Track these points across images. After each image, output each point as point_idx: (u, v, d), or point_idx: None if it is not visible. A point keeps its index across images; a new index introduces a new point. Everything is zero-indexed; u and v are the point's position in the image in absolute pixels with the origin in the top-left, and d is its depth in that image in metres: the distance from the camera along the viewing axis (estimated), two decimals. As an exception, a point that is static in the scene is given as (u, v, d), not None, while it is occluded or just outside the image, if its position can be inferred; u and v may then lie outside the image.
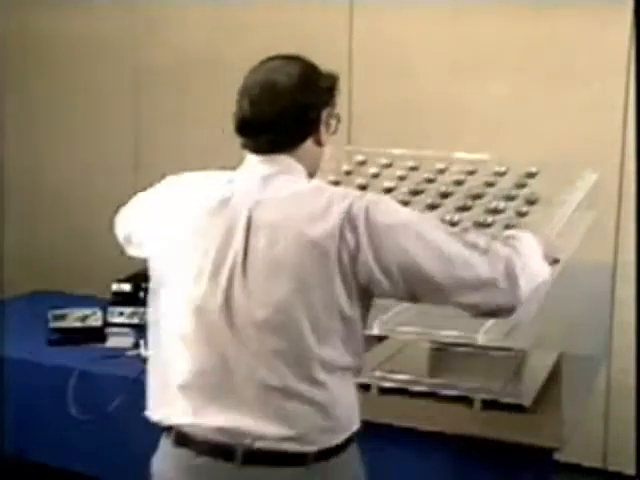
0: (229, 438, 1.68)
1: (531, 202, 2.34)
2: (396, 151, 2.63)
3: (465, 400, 2.41)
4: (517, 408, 2.37)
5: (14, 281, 4.05)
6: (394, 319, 2.46)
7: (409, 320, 2.44)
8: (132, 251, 2.00)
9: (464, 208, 2.33)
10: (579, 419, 2.48)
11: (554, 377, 2.52)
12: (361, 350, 1.76)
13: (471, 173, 2.54)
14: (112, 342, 3.00)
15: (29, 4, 4.06)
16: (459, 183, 2.47)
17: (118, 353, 2.91)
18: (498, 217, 2.27)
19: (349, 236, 1.63)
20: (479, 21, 3.31)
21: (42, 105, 4.10)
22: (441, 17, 3.36)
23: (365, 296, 1.70)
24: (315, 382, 1.67)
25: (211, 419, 1.70)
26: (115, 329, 3.04)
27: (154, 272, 1.85)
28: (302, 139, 1.78)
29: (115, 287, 3.22)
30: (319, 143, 1.80)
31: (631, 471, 2.99)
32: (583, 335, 2.48)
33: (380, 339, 2.71)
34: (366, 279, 1.66)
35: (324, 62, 2.05)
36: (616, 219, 3.27)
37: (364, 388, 2.51)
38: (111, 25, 3.90)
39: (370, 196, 1.70)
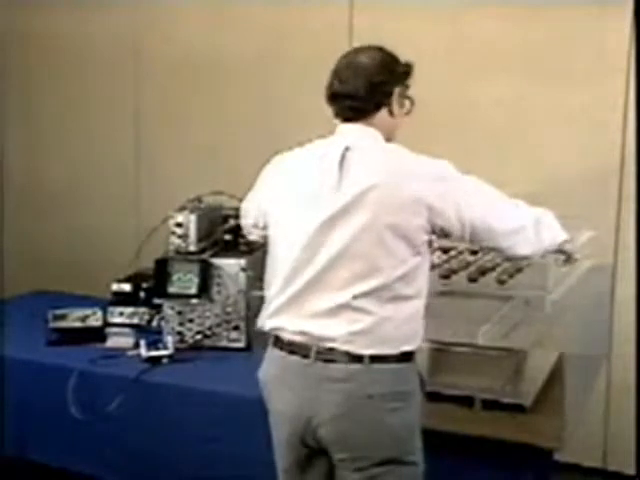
0: (307, 340, 2.05)
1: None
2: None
3: (465, 400, 2.40)
4: (517, 408, 2.37)
5: (14, 280, 4.04)
6: None
7: None
8: (256, 234, 2.36)
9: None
10: (579, 419, 2.48)
11: (554, 377, 2.52)
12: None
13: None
14: (112, 342, 2.98)
15: (30, 4, 4.04)
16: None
17: (118, 353, 2.89)
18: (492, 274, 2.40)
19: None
20: (480, 21, 3.30)
21: (42, 105, 4.09)
22: (442, 17, 3.35)
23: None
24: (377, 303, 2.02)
25: (295, 325, 2.07)
26: (115, 329, 3.02)
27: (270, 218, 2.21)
28: (377, 108, 2.14)
29: (115, 287, 3.19)
30: (391, 114, 2.16)
31: (631, 471, 3.00)
32: (583, 335, 2.48)
33: None
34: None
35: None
36: (616, 219, 3.27)
37: None
38: (112, 24, 3.89)
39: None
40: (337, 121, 2.17)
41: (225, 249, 3.01)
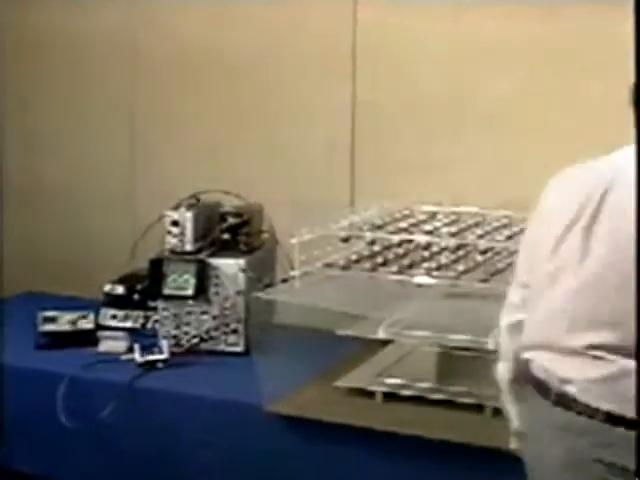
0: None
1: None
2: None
3: (475, 407, 2.36)
4: None
5: (7, 282, 3.90)
6: (400, 322, 2.45)
7: (416, 324, 2.43)
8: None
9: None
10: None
11: None
12: None
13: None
14: (104, 346, 2.93)
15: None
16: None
17: (111, 358, 2.85)
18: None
19: None
20: (484, 17, 3.21)
21: (37, 101, 4.01)
22: (446, 12, 3.25)
23: None
24: None
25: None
26: (108, 333, 2.98)
27: None
28: None
29: (108, 288, 3.16)
30: None
31: None
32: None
33: (385, 343, 2.68)
34: None
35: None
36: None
37: (368, 395, 2.49)
38: (109, 19, 3.79)
39: None
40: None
41: (223, 249, 2.96)
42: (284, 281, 2.68)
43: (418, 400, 2.45)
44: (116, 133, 3.86)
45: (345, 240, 2.58)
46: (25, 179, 4.07)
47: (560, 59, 3.12)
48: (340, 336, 2.53)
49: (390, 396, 2.48)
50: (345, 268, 2.51)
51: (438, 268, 2.43)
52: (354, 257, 2.54)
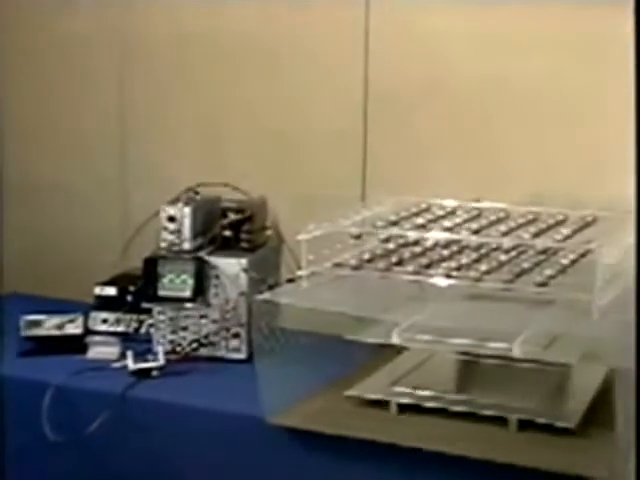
0: None
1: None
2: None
3: (499, 420, 2.34)
4: (560, 431, 2.29)
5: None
6: (416, 327, 2.41)
7: (433, 328, 2.39)
8: None
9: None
10: (633, 445, 2.28)
11: (603, 396, 2.42)
12: None
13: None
14: (94, 353, 2.91)
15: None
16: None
17: (101, 365, 2.82)
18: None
19: None
20: (503, 12, 3.19)
21: (18, 90, 4.00)
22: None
23: None
24: None
25: None
26: (98, 338, 2.95)
27: None
28: None
29: (98, 290, 3.14)
30: None
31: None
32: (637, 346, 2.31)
33: (400, 350, 2.67)
34: None
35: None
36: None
37: (381, 405, 2.47)
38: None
39: None
40: None
41: (224, 247, 2.95)
42: (290, 282, 2.66)
43: (437, 412, 2.42)
44: (106, 122, 3.85)
45: (356, 237, 2.56)
46: (9, 173, 4.04)
47: (598, 43, 3.09)
48: (351, 342, 2.48)
49: (406, 407, 2.45)
50: (356, 268, 2.48)
51: (458, 268, 2.40)
52: (366, 256, 2.51)
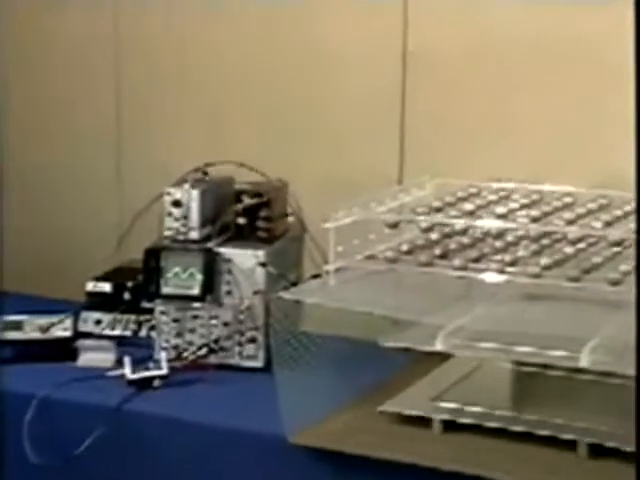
0: None
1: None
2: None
3: (565, 444, 2.28)
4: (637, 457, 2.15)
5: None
6: (463, 331, 2.42)
7: (484, 333, 2.39)
8: None
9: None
10: None
11: None
12: None
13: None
14: (86, 359, 2.89)
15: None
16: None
17: (94, 374, 2.80)
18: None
19: None
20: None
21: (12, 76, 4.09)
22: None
23: None
24: None
25: None
26: (90, 342, 2.95)
27: None
28: None
29: (91, 286, 3.16)
30: None
31: None
32: None
33: (444, 358, 2.66)
34: None
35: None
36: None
37: (422, 423, 2.43)
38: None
39: None
40: None
41: (238, 236, 2.93)
42: (315, 278, 2.65)
43: (488, 432, 2.38)
44: (100, 92, 3.89)
45: (393, 226, 2.55)
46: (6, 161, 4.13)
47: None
48: (386, 348, 2.50)
49: (451, 425, 2.41)
50: (393, 261, 2.47)
51: (513, 262, 2.37)
52: (405, 247, 2.49)
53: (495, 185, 2.79)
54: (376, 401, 2.53)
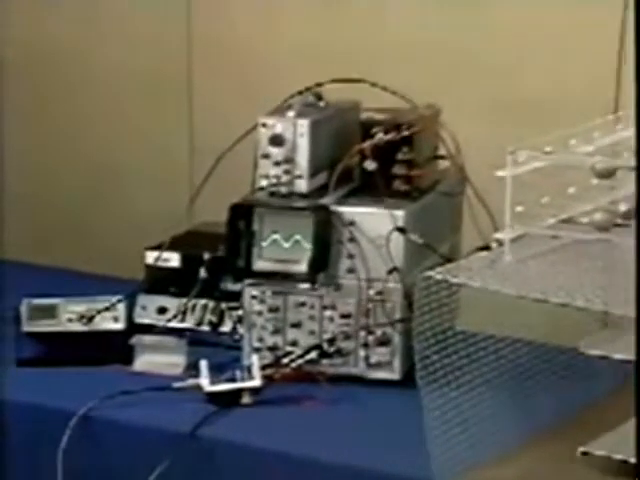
0: None
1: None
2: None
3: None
4: None
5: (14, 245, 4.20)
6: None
7: None
8: None
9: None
10: None
11: None
12: None
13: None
14: (144, 363, 2.89)
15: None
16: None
17: (156, 384, 2.75)
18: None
19: None
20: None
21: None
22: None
23: None
24: None
25: None
26: (150, 338, 2.97)
27: None
28: None
29: (151, 259, 3.15)
30: None
31: None
32: None
33: None
34: None
35: None
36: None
37: None
38: None
39: None
40: None
41: (365, 189, 2.90)
42: (482, 250, 2.55)
43: None
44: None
45: (604, 176, 2.42)
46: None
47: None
48: (589, 358, 2.45)
49: None
50: (603, 229, 2.40)
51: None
52: (623, 208, 2.42)
53: None
54: (573, 437, 2.47)
